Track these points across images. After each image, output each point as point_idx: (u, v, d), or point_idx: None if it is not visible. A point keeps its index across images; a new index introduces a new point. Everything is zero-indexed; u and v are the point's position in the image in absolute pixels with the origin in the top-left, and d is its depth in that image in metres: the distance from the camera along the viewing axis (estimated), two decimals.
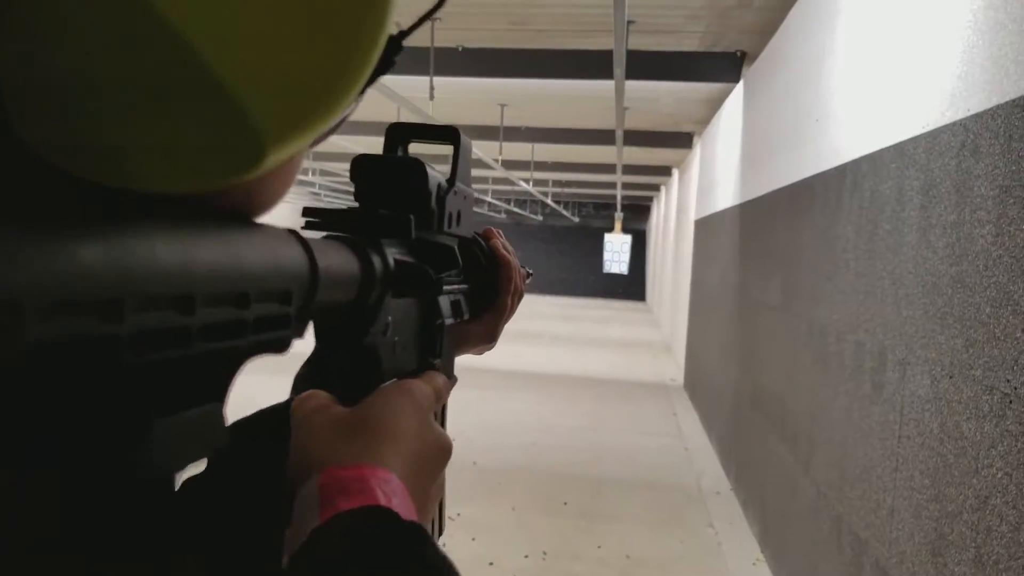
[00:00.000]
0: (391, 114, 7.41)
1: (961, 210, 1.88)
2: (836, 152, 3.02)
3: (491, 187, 15.51)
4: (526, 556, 3.84)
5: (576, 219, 22.69)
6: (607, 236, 17.90)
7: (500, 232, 0.75)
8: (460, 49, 5.58)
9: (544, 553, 3.88)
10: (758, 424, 4.26)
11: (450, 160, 0.60)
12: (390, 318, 0.46)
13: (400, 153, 0.61)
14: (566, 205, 22.33)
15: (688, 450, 5.93)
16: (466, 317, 0.64)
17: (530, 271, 0.97)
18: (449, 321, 0.59)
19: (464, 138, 0.61)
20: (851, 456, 2.63)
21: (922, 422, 2.05)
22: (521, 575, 3.64)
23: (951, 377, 1.89)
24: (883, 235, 2.42)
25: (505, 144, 8.66)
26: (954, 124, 1.95)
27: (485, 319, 0.72)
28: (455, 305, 0.61)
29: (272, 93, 0.27)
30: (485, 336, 0.72)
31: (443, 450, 0.45)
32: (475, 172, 12.84)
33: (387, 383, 0.48)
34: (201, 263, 0.27)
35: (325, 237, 0.41)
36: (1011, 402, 1.61)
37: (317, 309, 0.35)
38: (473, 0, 4.64)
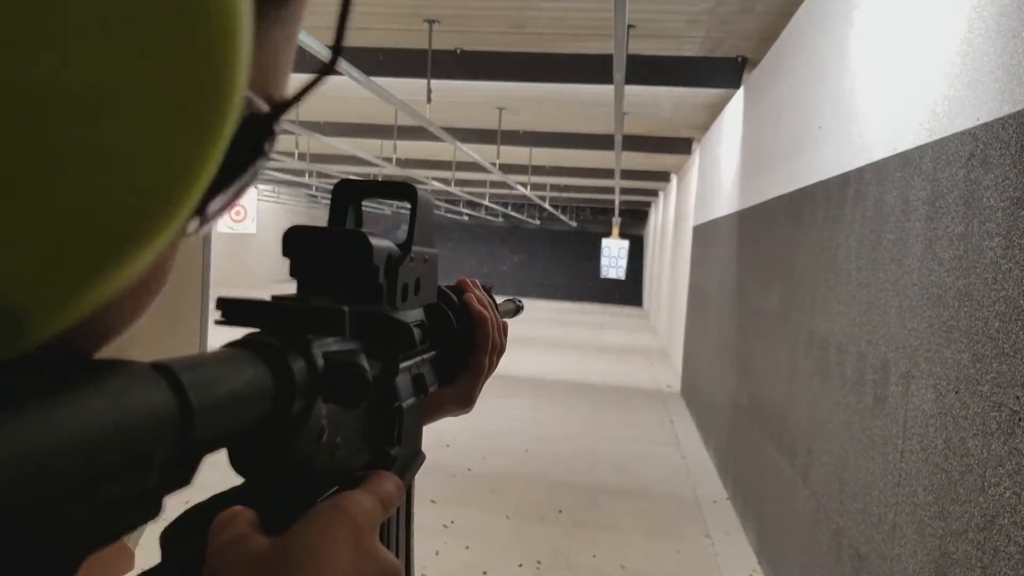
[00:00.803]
0: (389, 116, 7.38)
1: (969, 221, 1.84)
2: (839, 160, 2.98)
3: (488, 191, 15.47)
4: (520, 565, 3.78)
5: (574, 224, 22.67)
6: (604, 241, 17.86)
7: (476, 283, 0.69)
8: (458, 52, 5.54)
9: (538, 562, 3.83)
10: (756, 433, 4.21)
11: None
12: (324, 421, 0.40)
13: (350, 214, 0.55)
14: (564, 210, 22.30)
15: (685, 458, 5.88)
16: (432, 389, 0.57)
17: (520, 303, 0.89)
18: (410, 402, 0.52)
19: (422, 195, 0.55)
20: (851, 469, 2.59)
21: (926, 437, 2.01)
22: None
23: (957, 392, 1.85)
24: (887, 245, 2.38)
25: (503, 148, 8.62)
26: (963, 133, 1.91)
27: (459, 382, 0.66)
28: (417, 380, 0.54)
29: (19, 271, 0.21)
30: (460, 400, 0.66)
31: None
32: (473, 175, 12.81)
33: (324, 497, 0.41)
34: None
35: (230, 345, 0.35)
36: (1020, 419, 1.57)
37: (206, 444, 0.30)
38: (472, 3, 4.61)
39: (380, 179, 0.59)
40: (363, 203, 0.57)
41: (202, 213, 0.28)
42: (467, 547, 3.92)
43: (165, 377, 0.28)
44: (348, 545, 0.37)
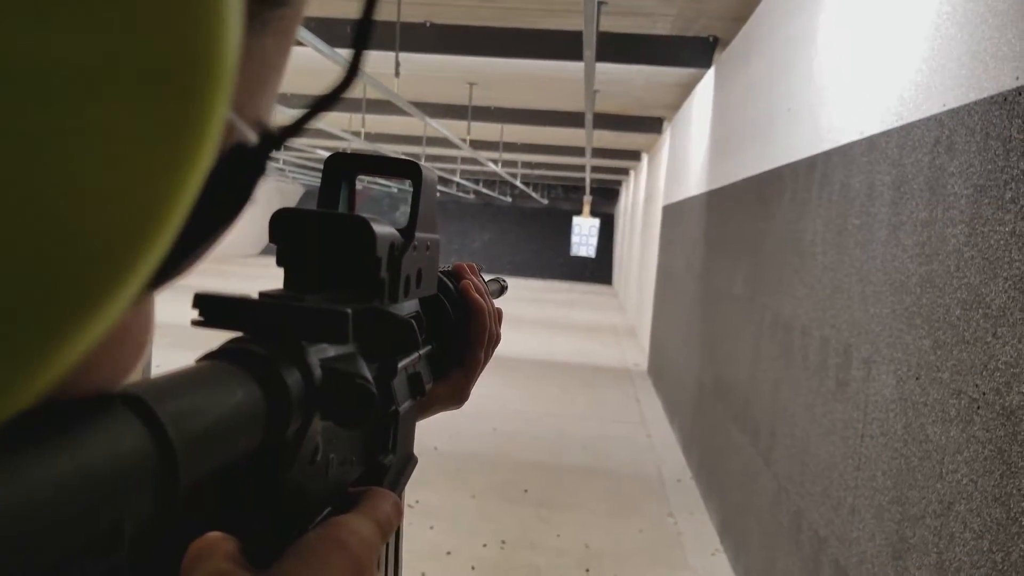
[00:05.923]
0: (356, 90, 7.24)
1: (933, 208, 1.84)
2: (806, 143, 2.97)
3: (459, 167, 15.36)
4: (484, 545, 3.78)
5: (545, 201, 22.62)
6: (575, 219, 17.89)
7: (474, 267, 0.63)
8: (427, 24, 5.44)
9: (503, 542, 3.83)
10: (720, 414, 4.24)
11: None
12: (319, 439, 0.35)
13: (343, 194, 0.49)
14: (535, 187, 22.23)
15: (650, 437, 5.92)
16: (429, 388, 0.52)
17: (504, 283, 0.83)
18: (406, 405, 0.47)
19: (427, 172, 0.49)
20: (812, 452, 2.60)
21: (886, 422, 2.02)
22: (479, 564, 3.59)
23: (917, 378, 1.85)
24: (852, 230, 2.38)
25: (473, 124, 8.53)
26: (929, 119, 1.90)
27: (453, 377, 0.60)
28: (413, 380, 0.49)
29: None
30: (453, 396, 0.60)
31: None
32: (443, 151, 12.69)
33: (315, 523, 0.36)
34: None
35: (209, 356, 0.30)
36: (979, 407, 1.57)
37: (185, 492, 0.24)
38: None
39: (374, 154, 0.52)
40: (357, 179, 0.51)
41: (167, 272, 0.22)
42: (431, 527, 3.91)
43: (136, 413, 0.21)
44: None
